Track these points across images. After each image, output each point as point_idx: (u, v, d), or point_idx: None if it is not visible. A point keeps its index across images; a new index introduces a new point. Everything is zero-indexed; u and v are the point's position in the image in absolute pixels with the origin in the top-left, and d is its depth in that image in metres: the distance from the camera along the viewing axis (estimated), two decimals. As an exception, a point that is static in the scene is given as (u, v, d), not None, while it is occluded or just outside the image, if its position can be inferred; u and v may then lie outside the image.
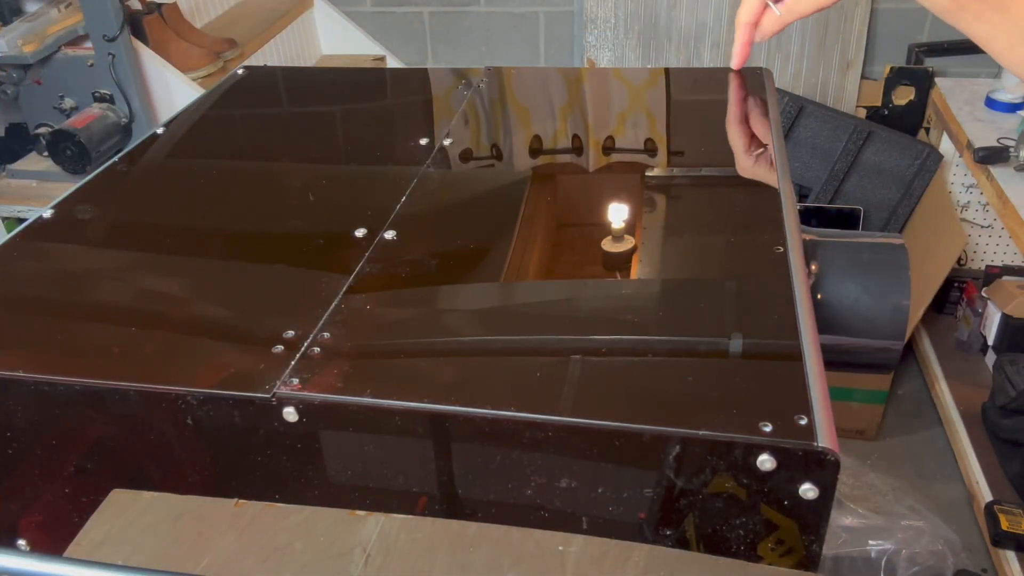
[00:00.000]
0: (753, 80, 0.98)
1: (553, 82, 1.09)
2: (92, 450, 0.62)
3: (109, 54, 1.85)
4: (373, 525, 0.58)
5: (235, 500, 0.60)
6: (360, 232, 0.74)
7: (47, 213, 0.81)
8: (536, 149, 0.91)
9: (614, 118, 0.99)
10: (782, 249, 0.68)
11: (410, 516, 0.59)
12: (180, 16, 2.16)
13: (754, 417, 0.52)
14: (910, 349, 2.42)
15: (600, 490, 0.55)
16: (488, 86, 1.06)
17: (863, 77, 2.59)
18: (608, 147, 0.91)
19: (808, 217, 2.27)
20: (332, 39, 2.73)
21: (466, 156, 0.89)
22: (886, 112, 2.48)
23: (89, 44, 1.87)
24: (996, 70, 2.29)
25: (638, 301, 0.67)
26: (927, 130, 2.47)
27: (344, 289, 0.67)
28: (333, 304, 0.65)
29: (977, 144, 1.99)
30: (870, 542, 1.76)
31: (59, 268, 0.75)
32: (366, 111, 1.05)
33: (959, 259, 2.33)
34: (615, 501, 0.55)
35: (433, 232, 0.76)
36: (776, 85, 0.98)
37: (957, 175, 2.31)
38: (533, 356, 0.61)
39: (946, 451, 2.11)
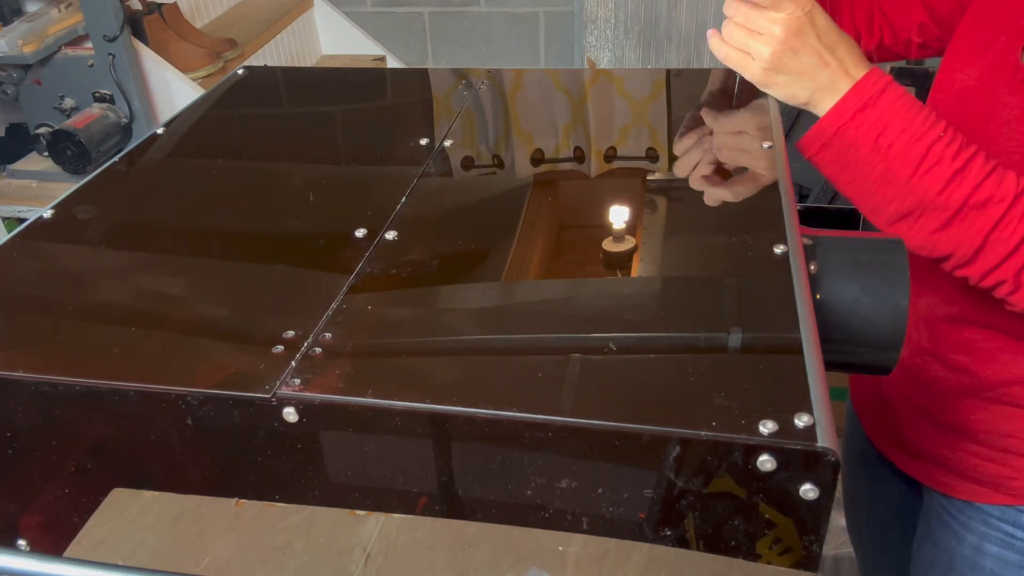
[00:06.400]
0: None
1: (554, 85, 1.09)
2: (92, 450, 0.62)
3: (109, 54, 1.85)
4: (373, 525, 0.58)
5: (235, 500, 0.60)
6: (360, 232, 0.74)
7: (47, 213, 0.81)
8: (538, 152, 0.91)
9: (616, 121, 0.99)
10: (782, 249, 0.68)
11: (410, 516, 0.59)
12: (180, 16, 2.16)
13: (754, 417, 0.52)
14: (910, 349, 2.41)
15: (600, 490, 0.55)
16: (489, 88, 1.06)
17: (863, 77, 2.58)
18: (610, 151, 0.91)
19: (808, 217, 2.27)
20: (332, 39, 2.73)
21: (467, 156, 0.89)
22: (886, 112, 2.48)
23: (89, 44, 1.87)
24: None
25: (638, 301, 0.67)
26: (927, 130, 2.47)
27: (345, 289, 0.67)
28: (334, 304, 0.65)
29: (977, 144, 1.99)
30: (870, 542, 1.76)
31: (59, 268, 0.75)
32: (366, 111, 1.05)
33: (959, 259, 2.32)
34: (615, 501, 0.55)
35: (434, 232, 0.76)
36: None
37: (957, 175, 2.31)
38: (533, 356, 0.61)
39: (946, 451, 2.10)
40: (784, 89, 0.82)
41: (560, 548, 0.55)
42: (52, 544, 0.66)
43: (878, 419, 1.14)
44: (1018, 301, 0.79)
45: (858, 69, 0.80)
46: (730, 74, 0.97)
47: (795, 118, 2.30)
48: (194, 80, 2.02)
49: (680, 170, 0.84)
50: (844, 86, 0.79)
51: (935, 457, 1.01)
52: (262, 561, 0.56)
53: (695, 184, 0.81)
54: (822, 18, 0.80)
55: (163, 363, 0.61)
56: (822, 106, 0.81)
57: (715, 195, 0.79)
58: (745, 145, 0.87)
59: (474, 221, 0.79)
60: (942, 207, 0.77)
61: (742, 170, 0.83)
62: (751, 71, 0.82)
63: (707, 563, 0.55)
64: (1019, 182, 0.76)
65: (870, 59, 1.03)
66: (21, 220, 1.68)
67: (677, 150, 0.88)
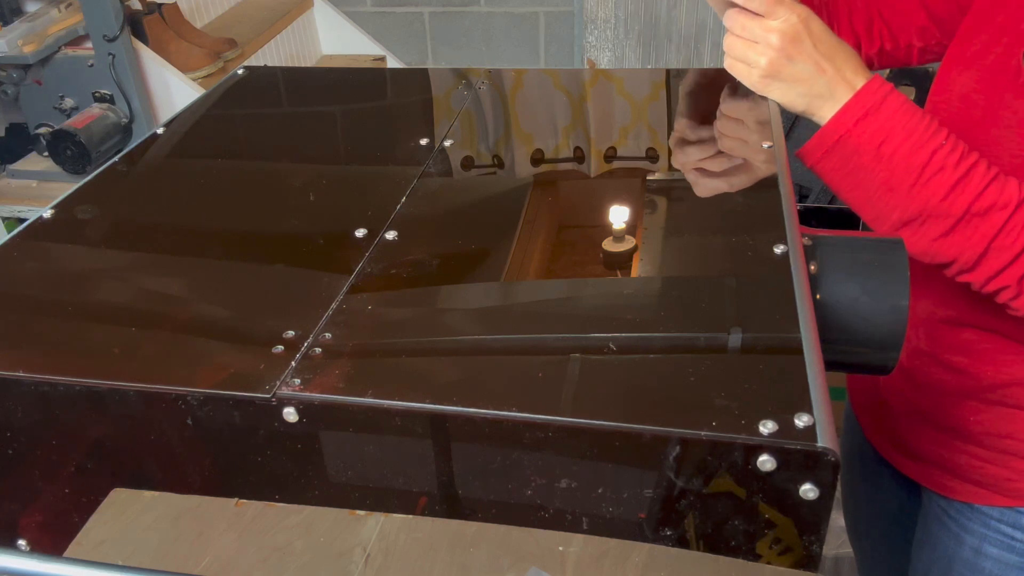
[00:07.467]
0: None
1: (554, 85, 1.09)
2: (92, 450, 0.62)
3: (109, 54, 1.85)
4: (373, 525, 0.58)
5: (235, 500, 0.60)
6: (361, 232, 0.74)
7: (47, 213, 0.81)
8: (538, 152, 0.91)
9: (616, 121, 0.99)
10: (782, 249, 0.68)
11: (410, 516, 0.59)
12: (180, 16, 2.16)
13: (754, 417, 0.52)
14: (910, 349, 2.41)
15: (600, 490, 0.55)
16: (489, 88, 1.06)
17: (863, 77, 2.58)
18: (610, 151, 0.91)
19: (808, 217, 2.26)
20: (332, 39, 2.73)
21: (467, 156, 0.89)
22: (886, 112, 2.47)
23: (89, 44, 1.87)
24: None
25: (638, 301, 0.67)
26: (927, 130, 2.47)
27: (345, 289, 0.67)
28: (334, 304, 0.65)
29: (977, 144, 1.99)
30: (870, 542, 1.76)
31: (59, 268, 0.75)
32: (366, 111, 1.05)
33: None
34: (615, 501, 0.55)
35: (434, 232, 0.76)
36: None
37: (957, 175, 2.30)
38: (533, 356, 0.61)
39: (946, 451, 2.10)
40: (781, 96, 0.83)
41: (560, 548, 0.55)
42: (52, 544, 0.66)
43: (877, 421, 1.14)
44: (1021, 306, 0.79)
45: (857, 77, 0.80)
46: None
47: (795, 119, 2.30)
48: (194, 80, 2.02)
49: (679, 170, 0.85)
50: (843, 94, 0.80)
51: (934, 459, 1.02)
52: (262, 561, 0.56)
53: (695, 183, 0.82)
54: (818, 26, 0.81)
55: (163, 363, 0.61)
56: (820, 114, 0.82)
57: (714, 194, 0.80)
58: (745, 144, 0.87)
59: (474, 221, 0.79)
60: (945, 214, 0.77)
61: (742, 169, 0.84)
62: (750, 79, 0.83)
63: (707, 563, 0.55)
64: (1021, 189, 0.76)
65: (871, 66, 1.04)
66: (21, 220, 1.68)
67: (676, 149, 0.88)
